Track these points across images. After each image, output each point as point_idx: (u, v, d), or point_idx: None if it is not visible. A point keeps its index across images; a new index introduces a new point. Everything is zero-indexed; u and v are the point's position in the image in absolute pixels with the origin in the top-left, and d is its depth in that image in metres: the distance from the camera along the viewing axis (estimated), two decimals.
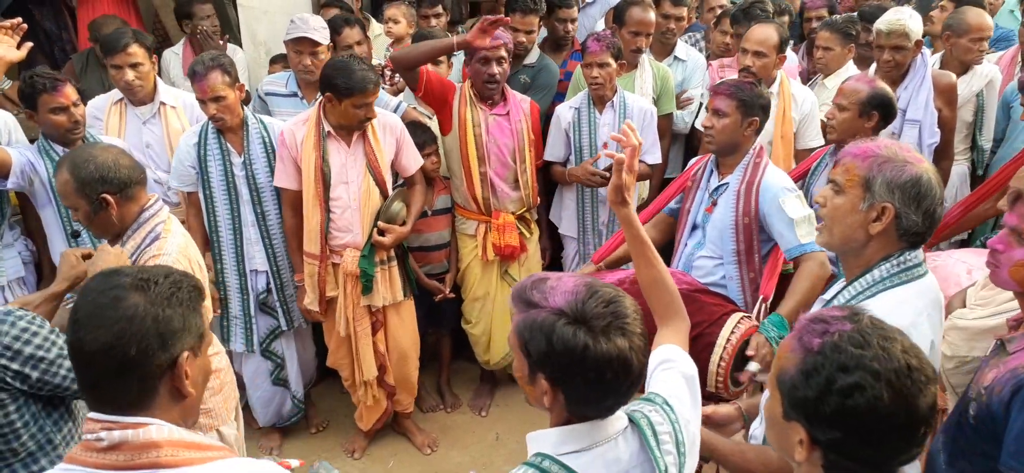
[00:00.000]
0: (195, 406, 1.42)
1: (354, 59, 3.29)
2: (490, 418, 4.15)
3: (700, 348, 2.51)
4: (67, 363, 1.94)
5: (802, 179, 3.38)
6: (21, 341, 1.87)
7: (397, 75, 4.16)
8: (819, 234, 1.91)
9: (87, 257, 2.31)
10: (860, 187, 1.77)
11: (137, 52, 3.55)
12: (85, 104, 3.41)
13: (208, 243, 3.52)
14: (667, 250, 3.08)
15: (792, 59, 4.45)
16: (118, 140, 3.51)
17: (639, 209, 4.10)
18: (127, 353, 1.29)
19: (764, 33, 3.62)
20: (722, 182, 2.89)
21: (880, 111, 3.06)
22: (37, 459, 1.97)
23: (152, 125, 3.60)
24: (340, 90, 3.18)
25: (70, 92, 3.17)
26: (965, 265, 2.77)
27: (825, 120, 3.25)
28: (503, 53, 3.55)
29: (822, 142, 3.71)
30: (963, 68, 4.10)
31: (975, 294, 2.32)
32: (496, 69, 3.53)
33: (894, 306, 1.72)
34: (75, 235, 3.31)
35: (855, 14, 4.59)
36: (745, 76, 3.61)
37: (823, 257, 2.61)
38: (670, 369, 1.62)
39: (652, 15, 4.08)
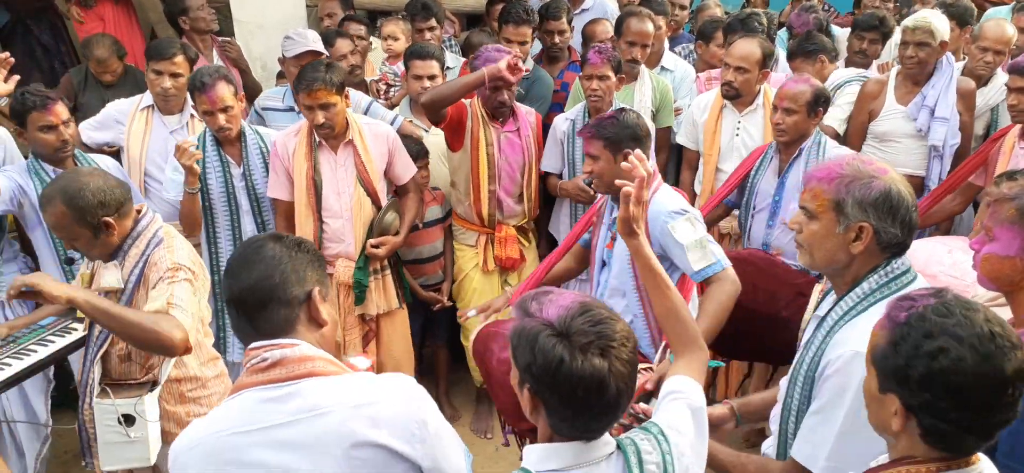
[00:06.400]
0: (330, 340, 1.63)
1: (320, 62, 3.33)
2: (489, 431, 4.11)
3: None
4: None
5: (745, 179, 3.42)
6: None
7: (392, 89, 4.18)
8: (800, 255, 1.90)
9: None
10: (832, 211, 1.77)
11: (181, 64, 3.58)
12: (78, 122, 3.38)
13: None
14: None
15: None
16: (135, 148, 3.56)
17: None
18: (271, 284, 1.54)
19: (747, 48, 3.63)
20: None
21: (823, 106, 3.25)
22: None
23: (181, 135, 3.57)
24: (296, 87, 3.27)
25: (60, 110, 3.07)
26: (945, 246, 2.85)
27: (776, 124, 3.27)
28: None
29: None
30: (979, 79, 3.98)
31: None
32: (506, 95, 3.56)
33: None
34: (69, 262, 3.23)
35: (811, 31, 4.60)
36: (727, 90, 3.66)
37: (732, 275, 2.47)
38: (677, 400, 1.61)
39: (650, 26, 4.07)
